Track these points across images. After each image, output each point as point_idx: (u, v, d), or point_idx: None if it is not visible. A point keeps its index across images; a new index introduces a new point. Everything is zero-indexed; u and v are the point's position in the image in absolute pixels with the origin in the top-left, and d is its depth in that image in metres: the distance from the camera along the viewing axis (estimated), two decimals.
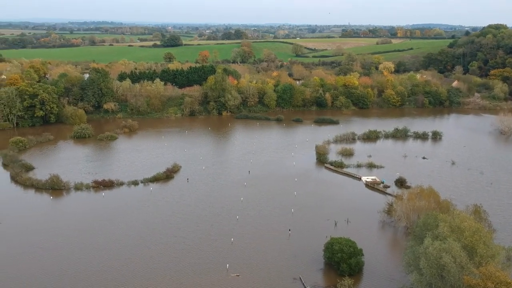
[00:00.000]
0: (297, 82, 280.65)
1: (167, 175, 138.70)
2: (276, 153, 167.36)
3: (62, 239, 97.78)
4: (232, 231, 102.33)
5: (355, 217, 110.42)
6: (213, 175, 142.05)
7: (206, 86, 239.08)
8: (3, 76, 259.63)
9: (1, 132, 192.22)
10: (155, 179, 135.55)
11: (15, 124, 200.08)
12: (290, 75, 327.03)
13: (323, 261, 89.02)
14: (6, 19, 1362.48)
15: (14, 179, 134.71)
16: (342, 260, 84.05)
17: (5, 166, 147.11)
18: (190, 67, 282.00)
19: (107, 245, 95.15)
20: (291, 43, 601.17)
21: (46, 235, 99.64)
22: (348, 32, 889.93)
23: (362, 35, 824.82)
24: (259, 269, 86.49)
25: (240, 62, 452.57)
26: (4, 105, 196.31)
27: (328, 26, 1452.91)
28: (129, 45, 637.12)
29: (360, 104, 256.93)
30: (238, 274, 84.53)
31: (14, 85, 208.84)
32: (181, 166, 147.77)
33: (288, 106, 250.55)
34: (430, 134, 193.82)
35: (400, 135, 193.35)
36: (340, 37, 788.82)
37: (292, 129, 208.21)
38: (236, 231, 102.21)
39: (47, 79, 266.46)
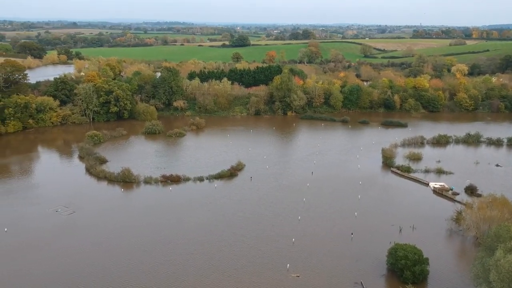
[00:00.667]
0: (365, 83, 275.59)
1: (231, 173, 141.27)
2: (340, 155, 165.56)
3: (131, 231, 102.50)
4: (293, 231, 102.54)
5: (421, 224, 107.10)
6: (276, 174, 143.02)
7: (272, 86, 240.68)
8: (82, 73, 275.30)
9: (79, 126, 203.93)
10: (219, 176, 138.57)
11: (91, 119, 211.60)
12: (357, 76, 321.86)
13: (385, 267, 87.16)
14: (86, 19, 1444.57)
15: (89, 171, 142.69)
16: (405, 267, 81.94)
17: (81, 158, 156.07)
18: (257, 67, 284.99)
19: (172, 239, 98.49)
20: (360, 44, 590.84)
21: (116, 226, 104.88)
22: (420, 33, 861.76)
23: (434, 36, 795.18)
24: (320, 271, 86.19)
25: (306, 63, 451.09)
26: (82, 101, 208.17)
27: (399, 26, 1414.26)
28: (199, 45, 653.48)
29: (430, 107, 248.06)
30: (298, 275, 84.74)
31: (92, 82, 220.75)
32: (245, 165, 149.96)
33: (354, 107, 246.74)
34: (505, 140, 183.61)
35: (472, 140, 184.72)
36: (411, 37, 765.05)
37: (357, 131, 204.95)
38: (297, 232, 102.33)
39: (122, 76, 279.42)
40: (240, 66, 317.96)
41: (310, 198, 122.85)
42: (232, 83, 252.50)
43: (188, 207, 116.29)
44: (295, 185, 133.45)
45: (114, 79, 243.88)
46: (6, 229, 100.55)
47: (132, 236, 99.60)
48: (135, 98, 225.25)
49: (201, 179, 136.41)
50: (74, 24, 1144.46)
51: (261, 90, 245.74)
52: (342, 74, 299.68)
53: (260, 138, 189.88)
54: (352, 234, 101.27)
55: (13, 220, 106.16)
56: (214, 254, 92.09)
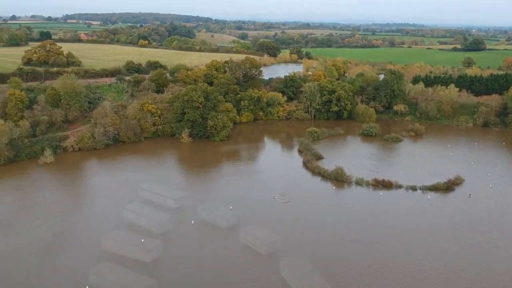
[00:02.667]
0: None
1: (448, 186, 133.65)
2: None
3: (336, 229, 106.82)
4: None
5: None
6: (498, 196, 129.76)
7: (507, 96, 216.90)
8: (309, 72, 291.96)
9: (301, 122, 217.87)
10: (434, 188, 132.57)
11: (312, 116, 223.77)
12: None
13: None
14: (319, 20, 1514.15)
15: (306, 165, 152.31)
16: None
17: (299, 152, 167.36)
18: (491, 74, 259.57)
19: (368, 241, 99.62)
20: None
21: (323, 223, 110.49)
22: None
23: None
24: None
25: None
26: (306, 99, 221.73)
27: None
28: (428, 48, 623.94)
29: None
30: None
31: (317, 81, 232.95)
32: (464, 179, 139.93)
33: None
34: None
35: None
36: None
37: None
38: None
39: (346, 77, 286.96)
40: (470, 72, 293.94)
41: None
42: (459, 90, 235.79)
43: (396, 215, 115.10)
44: None
45: (338, 79, 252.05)
46: (192, 221, 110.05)
47: (354, 233, 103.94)
48: (356, 99, 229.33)
49: (414, 188, 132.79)
50: (307, 25, 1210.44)
51: (493, 100, 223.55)
52: None
53: (486, 153, 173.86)
54: None
55: (237, 201, 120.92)
56: (421, 271, 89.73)
